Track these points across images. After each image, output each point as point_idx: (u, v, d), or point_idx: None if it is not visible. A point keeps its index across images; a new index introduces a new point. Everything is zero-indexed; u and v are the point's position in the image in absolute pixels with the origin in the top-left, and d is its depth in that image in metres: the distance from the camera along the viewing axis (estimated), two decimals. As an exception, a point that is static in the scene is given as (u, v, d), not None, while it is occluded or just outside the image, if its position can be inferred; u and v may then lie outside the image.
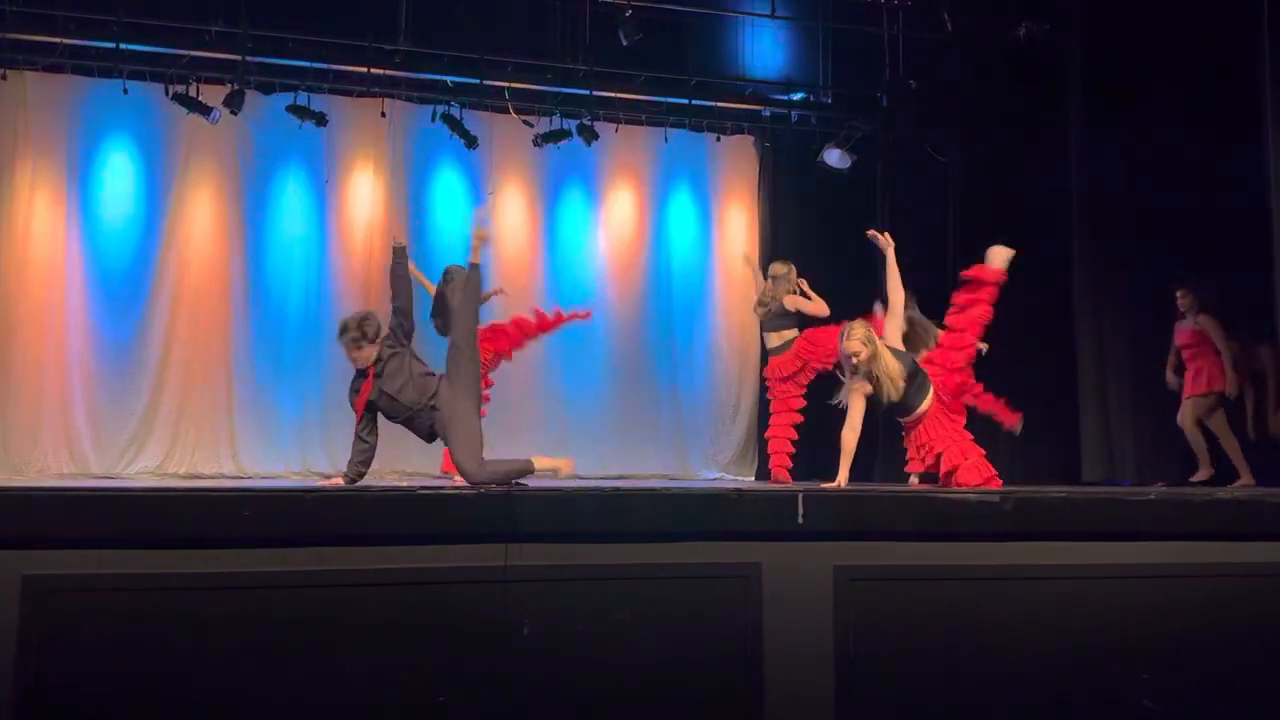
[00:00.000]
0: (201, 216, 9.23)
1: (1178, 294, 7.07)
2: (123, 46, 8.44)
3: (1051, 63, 8.17)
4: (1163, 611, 3.74)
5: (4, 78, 8.60)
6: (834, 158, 9.52)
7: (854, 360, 5.19)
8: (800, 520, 3.56)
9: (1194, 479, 6.81)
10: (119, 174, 9.02)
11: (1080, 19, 7.99)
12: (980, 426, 6.38)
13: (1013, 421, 6.83)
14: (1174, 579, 3.78)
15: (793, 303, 7.05)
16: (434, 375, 4.87)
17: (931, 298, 6.76)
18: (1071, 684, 3.66)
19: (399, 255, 5.06)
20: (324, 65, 8.95)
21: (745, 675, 3.42)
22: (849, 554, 3.60)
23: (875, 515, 3.72)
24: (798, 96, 10.06)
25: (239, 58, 8.58)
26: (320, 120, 9.01)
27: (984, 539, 3.74)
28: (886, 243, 5.61)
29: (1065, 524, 3.83)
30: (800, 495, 3.62)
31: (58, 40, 8.45)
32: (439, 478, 6.91)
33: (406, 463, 8.30)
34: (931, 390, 5.43)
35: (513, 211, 9.99)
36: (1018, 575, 3.70)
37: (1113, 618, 3.72)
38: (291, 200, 9.40)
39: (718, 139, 10.21)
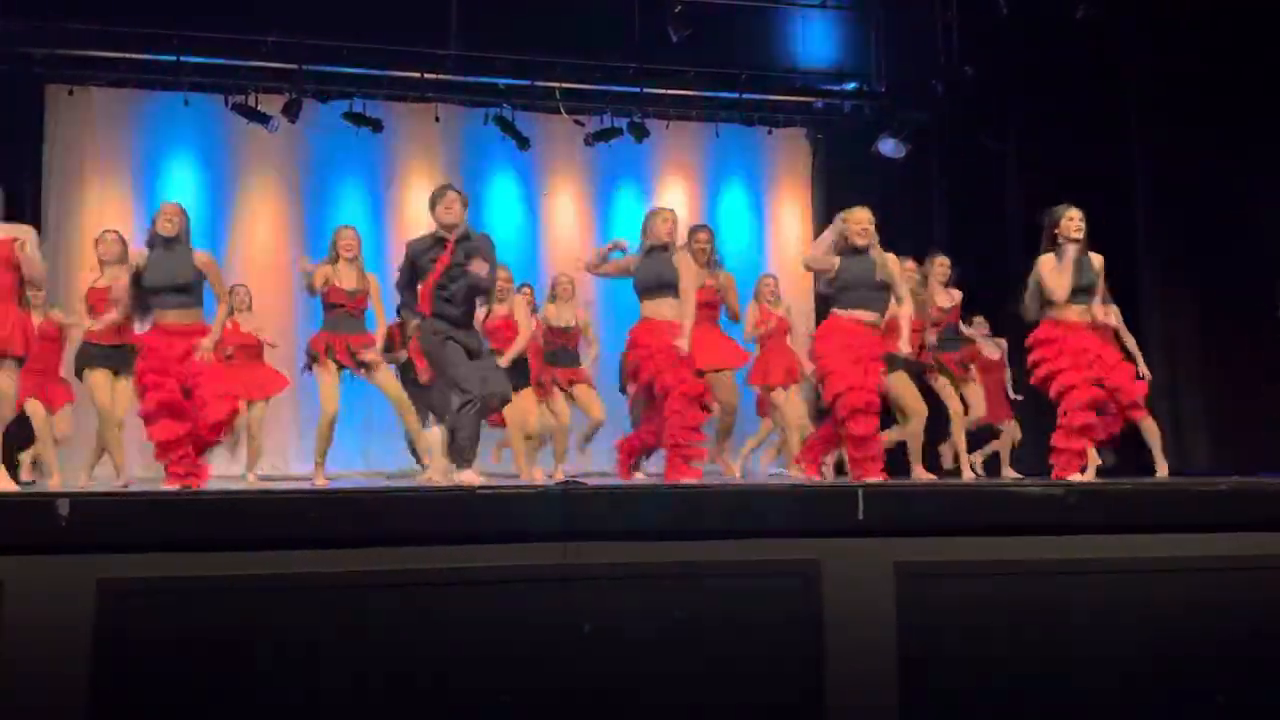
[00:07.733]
0: (263, 223, 9.43)
1: None
2: (183, 59, 8.65)
3: (1112, 45, 7.98)
4: (1235, 606, 3.63)
5: (71, 93, 8.86)
6: (888, 147, 9.40)
7: None
8: (860, 516, 3.53)
9: None
10: (182, 183, 9.24)
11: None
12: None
13: None
14: (1246, 572, 3.67)
15: None
16: None
17: (994, 289, 6.64)
18: (1143, 682, 3.58)
19: None
20: (378, 72, 9.08)
21: (807, 674, 3.40)
22: (910, 550, 3.55)
23: (935, 510, 3.66)
24: (850, 87, 9.95)
25: (295, 66, 8.74)
26: (376, 126, 9.14)
27: (1048, 532, 3.67)
28: None
29: (1133, 517, 3.74)
30: (860, 491, 3.59)
31: (121, 55, 8.69)
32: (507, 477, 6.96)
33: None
34: None
35: (565, 210, 10.03)
36: (1084, 570, 3.62)
37: (1183, 613, 3.62)
38: (350, 205, 9.55)
39: (769, 132, 10.14)
